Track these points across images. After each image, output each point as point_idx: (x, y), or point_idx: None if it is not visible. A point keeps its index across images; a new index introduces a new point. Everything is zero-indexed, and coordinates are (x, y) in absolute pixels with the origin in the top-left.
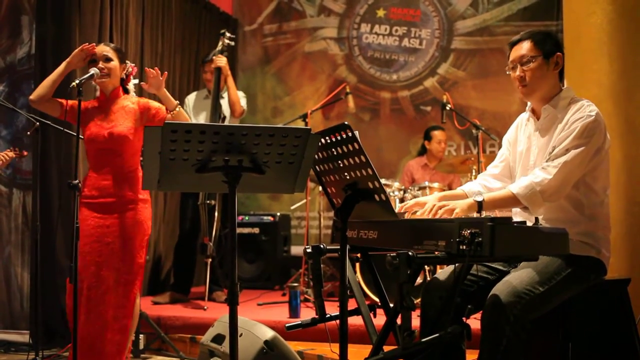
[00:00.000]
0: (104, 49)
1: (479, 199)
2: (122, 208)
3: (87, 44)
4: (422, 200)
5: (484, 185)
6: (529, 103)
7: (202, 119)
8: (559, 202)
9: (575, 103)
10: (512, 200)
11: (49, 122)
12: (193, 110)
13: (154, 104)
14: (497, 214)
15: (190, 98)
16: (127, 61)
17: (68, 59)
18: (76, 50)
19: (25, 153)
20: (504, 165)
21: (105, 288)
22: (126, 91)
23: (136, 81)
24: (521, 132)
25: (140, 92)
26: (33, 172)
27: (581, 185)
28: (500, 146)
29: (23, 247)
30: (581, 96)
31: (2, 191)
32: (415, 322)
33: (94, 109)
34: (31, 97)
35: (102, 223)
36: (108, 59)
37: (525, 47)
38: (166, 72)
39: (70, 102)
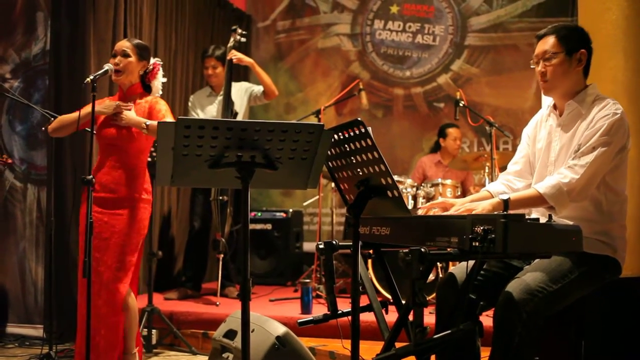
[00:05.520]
0: (124, 45)
1: (505, 197)
2: (121, 205)
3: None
4: (450, 201)
5: (507, 185)
6: (548, 103)
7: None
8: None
9: (600, 100)
10: (538, 200)
11: None
12: (200, 111)
13: (160, 107)
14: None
15: (195, 100)
16: (152, 58)
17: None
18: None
19: (10, 160)
20: (524, 162)
21: (100, 284)
22: (147, 89)
23: (164, 80)
24: (540, 128)
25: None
26: (47, 168)
27: (602, 185)
28: (513, 143)
29: (37, 242)
30: None
31: (17, 186)
32: (428, 318)
33: None
34: (51, 131)
35: (100, 218)
36: (126, 55)
37: (549, 42)
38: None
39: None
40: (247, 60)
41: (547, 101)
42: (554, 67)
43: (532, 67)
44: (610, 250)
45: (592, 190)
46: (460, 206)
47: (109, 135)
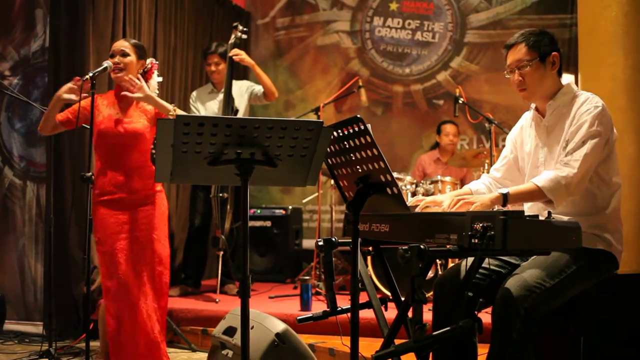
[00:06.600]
0: (122, 44)
1: (504, 191)
2: (144, 201)
3: (78, 77)
4: (439, 199)
5: (488, 187)
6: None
7: (212, 114)
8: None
9: (579, 96)
10: (536, 194)
11: None
12: (201, 106)
13: None
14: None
15: (196, 95)
16: (149, 58)
17: (58, 92)
18: (68, 84)
19: None
20: (505, 169)
21: (141, 282)
22: None
23: (160, 79)
24: (526, 132)
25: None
26: (47, 165)
27: (594, 177)
28: None
29: (37, 239)
30: (595, 90)
31: (16, 183)
32: (427, 315)
33: (107, 103)
34: (39, 129)
35: (126, 219)
36: (125, 54)
37: (521, 51)
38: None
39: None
40: (248, 60)
41: None
42: (531, 74)
43: (507, 77)
44: (605, 244)
45: (587, 182)
46: (455, 197)
47: (113, 134)
